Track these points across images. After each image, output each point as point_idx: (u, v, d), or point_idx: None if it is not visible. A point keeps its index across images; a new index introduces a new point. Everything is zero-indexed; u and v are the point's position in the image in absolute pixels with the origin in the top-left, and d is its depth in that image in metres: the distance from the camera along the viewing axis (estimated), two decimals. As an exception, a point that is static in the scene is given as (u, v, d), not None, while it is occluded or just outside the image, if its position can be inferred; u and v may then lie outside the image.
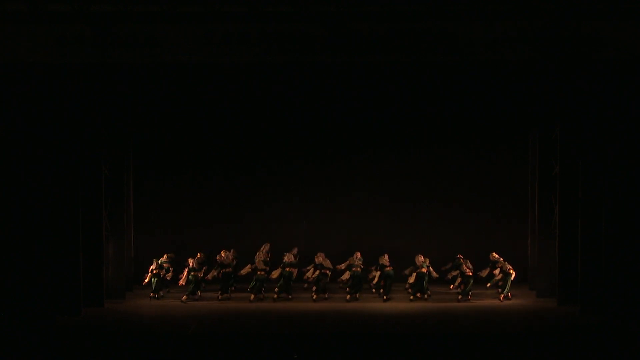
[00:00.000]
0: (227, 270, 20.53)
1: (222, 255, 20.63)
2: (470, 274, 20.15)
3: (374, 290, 20.82)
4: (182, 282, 20.41)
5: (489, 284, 20.59)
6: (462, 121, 21.11)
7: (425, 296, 20.15)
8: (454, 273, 20.55)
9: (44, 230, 18.28)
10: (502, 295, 20.16)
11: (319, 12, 17.52)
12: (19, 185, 18.11)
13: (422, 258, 20.28)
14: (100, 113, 19.18)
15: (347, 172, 22.52)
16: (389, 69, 18.10)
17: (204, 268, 20.61)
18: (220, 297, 20.39)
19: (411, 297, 20.17)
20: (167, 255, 21.00)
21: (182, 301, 20.08)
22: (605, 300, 18.39)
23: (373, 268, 20.73)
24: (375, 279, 20.62)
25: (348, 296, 20.31)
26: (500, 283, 20.39)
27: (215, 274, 20.45)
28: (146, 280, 20.53)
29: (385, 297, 20.30)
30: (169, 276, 20.77)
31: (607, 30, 17.46)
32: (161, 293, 20.62)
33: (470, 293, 20.14)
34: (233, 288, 20.87)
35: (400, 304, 20.02)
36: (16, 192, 18.11)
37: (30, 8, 17.37)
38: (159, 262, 20.68)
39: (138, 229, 22.06)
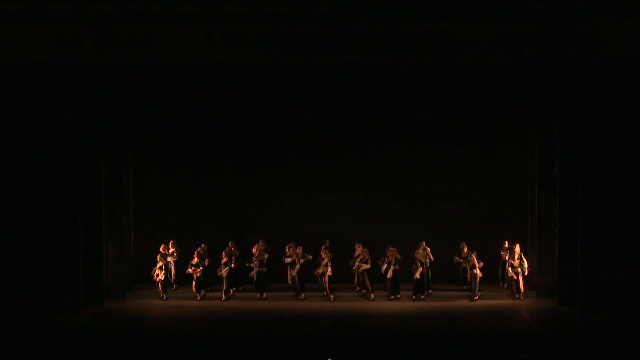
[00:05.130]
0: (263, 269, 20.64)
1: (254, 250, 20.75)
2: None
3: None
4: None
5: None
6: (462, 121, 21.12)
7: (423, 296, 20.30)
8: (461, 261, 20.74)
9: (44, 230, 18.26)
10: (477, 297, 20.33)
11: (319, 12, 17.53)
12: (19, 185, 18.10)
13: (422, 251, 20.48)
14: (100, 113, 19.17)
15: (347, 171, 22.52)
16: (389, 69, 18.10)
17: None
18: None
19: (413, 297, 20.28)
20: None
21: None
22: (605, 300, 18.39)
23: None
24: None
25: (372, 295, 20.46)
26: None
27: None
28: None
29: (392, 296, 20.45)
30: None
31: (607, 30, 17.46)
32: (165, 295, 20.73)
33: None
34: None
35: (401, 303, 20.03)
36: (16, 192, 18.09)
37: (30, 8, 17.36)
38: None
39: (138, 229, 22.06)
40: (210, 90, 18.58)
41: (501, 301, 20.23)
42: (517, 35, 17.55)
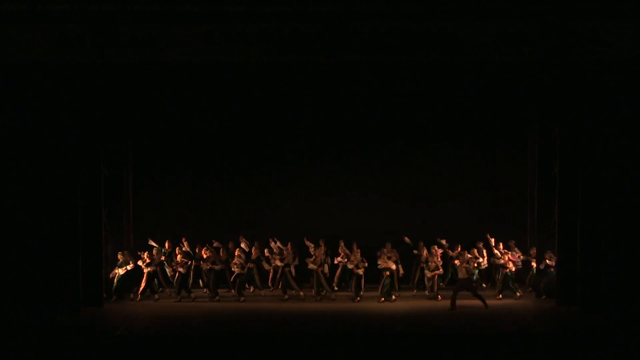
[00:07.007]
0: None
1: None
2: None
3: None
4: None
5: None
6: (462, 121, 21.11)
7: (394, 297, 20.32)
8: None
9: (44, 230, 18.26)
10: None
11: (319, 12, 17.53)
12: (19, 185, 18.09)
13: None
14: (100, 113, 19.16)
15: (347, 171, 22.52)
16: (389, 69, 18.10)
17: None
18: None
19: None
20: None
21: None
22: (605, 300, 18.39)
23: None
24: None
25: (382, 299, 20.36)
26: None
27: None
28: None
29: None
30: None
31: (607, 30, 17.47)
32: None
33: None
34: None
35: (400, 304, 20.03)
36: (16, 192, 18.09)
37: (30, 8, 17.37)
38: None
39: (138, 229, 22.05)
40: (210, 90, 18.58)
41: (501, 301, 20.22)
42: (517, 35, 17.56)
